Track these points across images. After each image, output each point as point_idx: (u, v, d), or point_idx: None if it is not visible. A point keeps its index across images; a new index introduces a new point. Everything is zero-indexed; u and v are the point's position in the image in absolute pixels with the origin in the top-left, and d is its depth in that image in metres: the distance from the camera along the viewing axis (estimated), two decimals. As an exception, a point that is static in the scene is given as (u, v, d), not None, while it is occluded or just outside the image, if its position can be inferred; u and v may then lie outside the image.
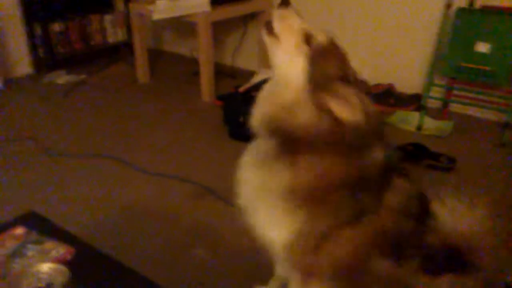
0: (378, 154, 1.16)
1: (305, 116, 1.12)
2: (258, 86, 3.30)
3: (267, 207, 1.21)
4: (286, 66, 1.18)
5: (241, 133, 2.79)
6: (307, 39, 1.17)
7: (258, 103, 1.27)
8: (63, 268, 0.84)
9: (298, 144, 1.13)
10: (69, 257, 1.17)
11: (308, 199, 1.15)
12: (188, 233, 2.15)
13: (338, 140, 1.11)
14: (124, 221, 2.23)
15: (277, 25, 1.21)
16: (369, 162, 1.15)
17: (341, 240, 1.17)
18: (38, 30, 4.03)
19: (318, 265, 1.22)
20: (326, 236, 1.17)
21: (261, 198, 1.23)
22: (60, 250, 1.19)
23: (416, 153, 2.72)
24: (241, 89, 3.37)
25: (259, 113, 1.24)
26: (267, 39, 1.23)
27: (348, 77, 1.16)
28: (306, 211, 1.15)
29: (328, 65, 1.16)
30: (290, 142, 1.15)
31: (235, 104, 3.10)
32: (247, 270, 1.87)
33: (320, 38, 1.18)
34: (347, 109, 1.08)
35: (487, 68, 2.94)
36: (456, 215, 1.41)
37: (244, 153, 1.34)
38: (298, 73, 1.15)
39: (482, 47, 2.96)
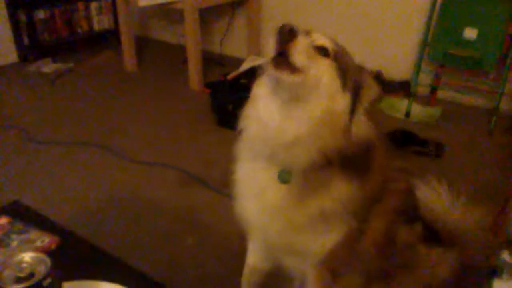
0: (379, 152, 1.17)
1: (360, 131, 1.06)
2: (246, 73, 3.28)
3: (312, 226, 1.16)
4: (328, 93, 1.03)
5: (229, 121, 2.78)
6: (325, 53, 1.06)
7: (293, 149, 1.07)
8: (45, 257, 0.82)
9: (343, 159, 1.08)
10: (53, 246, 1.16)
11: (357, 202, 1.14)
12: (176, 221, 2.14)
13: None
14: (111, 210, 2.21)
15: (299, 58, 1.00)
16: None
17: (378, 217, 1.21)
18: (22, 17, 3.96)
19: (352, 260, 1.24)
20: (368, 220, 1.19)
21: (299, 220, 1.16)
22: (45, 239, 1.17)
23: (404, 139, 2.73)
24: (230, 77, 3.34)
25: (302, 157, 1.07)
26: (290, 78, 1.00)
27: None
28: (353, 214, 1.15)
29: (351, 68, 1.09)
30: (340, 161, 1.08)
31: (224, 91, 3.08)
32: (236, 257, 1.86)
33: (329, 44, 1.07)
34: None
35: (475, 54, 2.94)
36: (436, 201, 1.50)
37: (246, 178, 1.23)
38: (343, 97, 1.04)
39: (470, 33, 2.96)
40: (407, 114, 3.12)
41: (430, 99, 3.32)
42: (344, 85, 1.05)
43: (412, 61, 3.34)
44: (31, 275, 0.79)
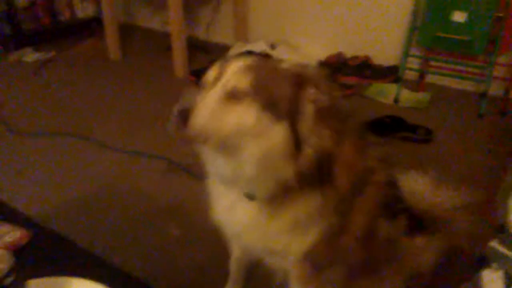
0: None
1: (314, 147, 0.99)
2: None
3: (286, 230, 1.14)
4: (256, 135, 0.98)
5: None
6: (240, 96, 0.98)
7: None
8: (7, 254, 0.78)
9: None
10: (24, 241, 1.10)
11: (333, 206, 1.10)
12: (160, 211, 2.10)
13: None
14: (92, 201, 2.16)
15: (199, 132, 0.97)
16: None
17: (359, 211, 1.16)
18: (2, 6, 3.85)
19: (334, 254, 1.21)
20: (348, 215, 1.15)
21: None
22: (16, 234, 1.12)
23: (393, 125, 2.69)
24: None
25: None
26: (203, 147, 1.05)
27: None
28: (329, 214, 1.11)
29: (280, 92, 0.98)
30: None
31: (209, 79, 3.02)
32: (222, 246, 1.83)
33: (243, 81, 0.98)
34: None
35: (464, 37, 2.90)
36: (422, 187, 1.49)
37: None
38: (277, 129, 0.98)
39: (458, 16, 2.91)
40: (396, 100, 3.08)
41: (419, 84, 3.28)
42: (275, 115, 0.97)
43: (400, 46, 3.29)
44: (-7, 271, 0.75)
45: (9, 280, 0.75)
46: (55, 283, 0.92)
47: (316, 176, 1.01)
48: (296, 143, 0.97)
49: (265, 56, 3.26)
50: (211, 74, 1.04)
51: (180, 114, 0.98)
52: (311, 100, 0.98)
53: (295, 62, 1.07)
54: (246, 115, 0.96)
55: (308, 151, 0.98)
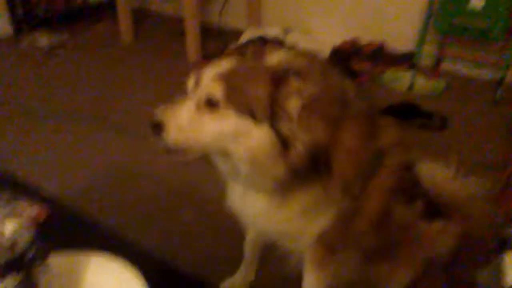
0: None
1: (306, 141, 0.97)
2: (246, 45, 3.20)
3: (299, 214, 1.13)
4: (236, 139, 0.98)
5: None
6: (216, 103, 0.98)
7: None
8: (29, 227, 0.77)
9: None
10: (42, 217, 1.11)
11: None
12: (173, 194, 2.10)
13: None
14: (106, 183, 2.17)
15: (175, 142, 1.00)
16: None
17: (373, 195, 1.14)
18: (16, -12, 3.85)
19: (348, 237, 1.20)
20: (360, 198, 1.13)
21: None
22: (34, 210, 1.12)
23: (407, 112, 2.66)
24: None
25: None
26: (186, 158, 1.04)
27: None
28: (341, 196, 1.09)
29: (258, 94, 0.96)
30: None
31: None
32: (233, 229, 1.83)
33: (218, 88, 0.98)
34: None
35: (481, 24, 2.85)
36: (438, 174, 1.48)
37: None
38: (257, 130, 0.96)
39: (476, 3, 2.86)
40: (411, 87, 3.05)
41: (434, 71, 3.24)
42: (254, 118, 0.95)
43: (416, 32, 3.24)
44: (14, 244, 0.75)
45: (30, 254, 0.75)
46: (75, 258, 0.92)
47: (312, 168, 0.99)
48: (283, 141, 0.96)
49: (277, 42, 3.24)
50: (190, 81, 1.05)
51: (154, 128, 1.01)
52: (294, 93, 0.95)
53: (287, 54, 1.03)
54: (223, 122, 0.97)
55: (298, 147, 0.96)
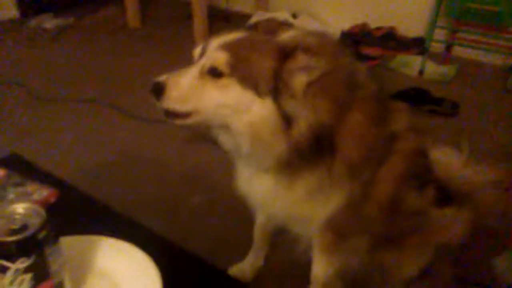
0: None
1: (309, 122, 0.94)
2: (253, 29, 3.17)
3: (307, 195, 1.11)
4: (238, 110, 0.96)
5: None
6: (219, 74, 0.96)
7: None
8: (39, 209, 0.76)
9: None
10: (52, 199, 1.10)
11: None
12: (182, 179, 2.09)
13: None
14: (114, 167, 2.16)
15: (175, 105, 1.01)
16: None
17: (383, 180, 1.12)
18: (22, -28, 3.82)
19: (357, 222, 1.18)
20: (370, 183, 1.11)
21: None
22: (43, 192, 1.12)
23: (418, 98, 2.63)
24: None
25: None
26: (185, 123, 1.02)
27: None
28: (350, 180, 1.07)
29: (263, 68, 0.94)
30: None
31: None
32: (242, 215, 1.82)
33: (221, 59, 0.96)
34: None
35: (494, 8, 2.80)
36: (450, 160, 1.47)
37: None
38: (260, 105, 0.94)
39: (490, -14, 2.81)
40: (421, 72, 3.01)
41: (445, 57, 3.20)
42: (257, 91, 0.93)
43: (427, 16, 3.20)
44: (24, 226, 0.73)
45: (42, 235, 0.74)
46: (86, 241, 0.91)
47: (316, 149, 0.97)
48: (286, 119, 0.93)
49: (286, 25, 3.20)
50: (196, 51, 1.04)
51: (154, 87, 1.01)
52: (301, 69, 0.92)
53: (299, 33, 1.01)
54: (225, 92, 0.95)
55: (301, 126, 0.93)
